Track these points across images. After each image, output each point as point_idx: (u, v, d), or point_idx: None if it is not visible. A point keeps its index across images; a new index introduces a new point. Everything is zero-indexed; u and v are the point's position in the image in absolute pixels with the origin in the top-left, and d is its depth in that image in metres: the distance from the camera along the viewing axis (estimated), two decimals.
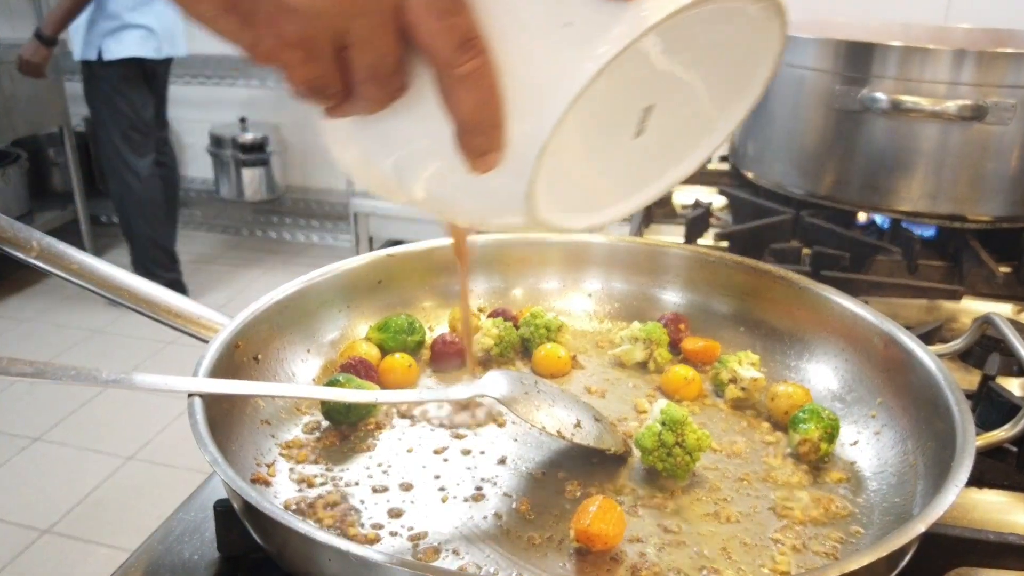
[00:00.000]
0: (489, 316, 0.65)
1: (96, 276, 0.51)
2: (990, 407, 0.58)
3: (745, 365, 0.58)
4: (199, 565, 0.44)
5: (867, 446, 0.53)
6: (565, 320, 0.65)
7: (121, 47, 2.31)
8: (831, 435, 0.51)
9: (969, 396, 0.61)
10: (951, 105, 0.78)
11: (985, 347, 0.67)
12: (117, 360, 2.29)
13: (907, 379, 0.53)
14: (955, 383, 0.49)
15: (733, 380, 0.58)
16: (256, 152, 3.03)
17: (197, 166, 3.29)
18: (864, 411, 0.55)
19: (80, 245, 2.90)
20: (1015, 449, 0.52)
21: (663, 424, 0.48)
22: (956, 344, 0.60)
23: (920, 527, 0.37)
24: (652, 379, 0.61)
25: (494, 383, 0.50)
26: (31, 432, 2.04)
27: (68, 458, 1.95)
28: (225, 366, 0.50)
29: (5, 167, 2.74)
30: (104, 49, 2.30)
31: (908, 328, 0.56)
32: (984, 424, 0.54)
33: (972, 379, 0.62)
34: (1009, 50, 0.78)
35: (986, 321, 0.58)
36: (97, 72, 2.35)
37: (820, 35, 0.88)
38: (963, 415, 0.45)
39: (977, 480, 0.53)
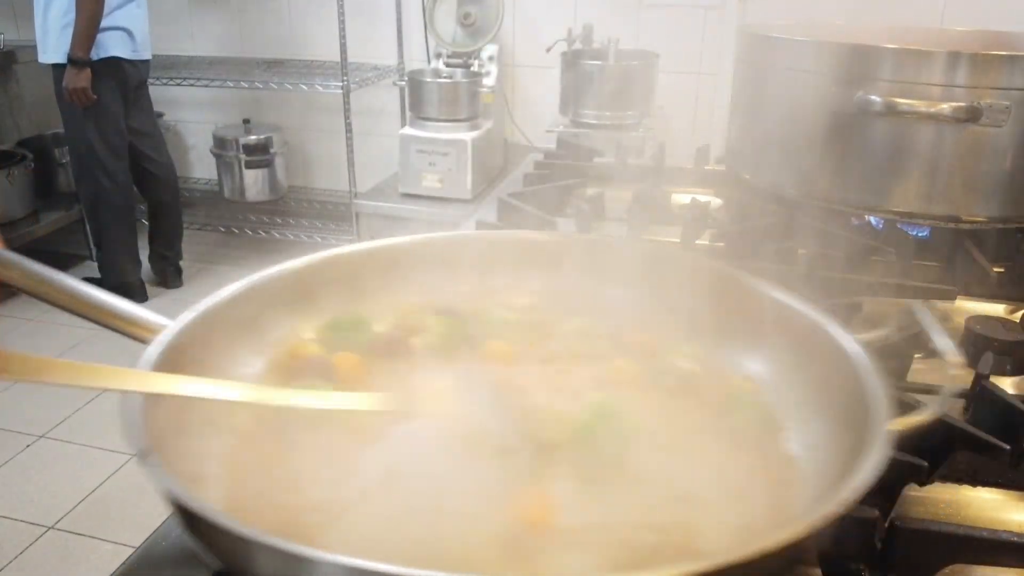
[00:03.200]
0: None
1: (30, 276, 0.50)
2: (984, 406, 0.59)
3: None
4: (202, 561, 0.45)
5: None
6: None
7: (98, 48, 2.34)
8: None
9: (963, 395, 0.62)
10: (945, 107, 0.78)
11: (979, 346, 0.68)
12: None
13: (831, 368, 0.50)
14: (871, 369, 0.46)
15: None
16: (259, 153, 3.04)
17: (201, 167, 3.30)
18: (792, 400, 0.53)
19: (85, 246, 2.93)
20: (1008, 447, 0.53)
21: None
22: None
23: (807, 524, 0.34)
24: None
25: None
26: (36, 429, 2.05)
27: (72, 455, 1.96)
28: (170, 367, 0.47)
29: (10, 168, 2.75)
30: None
31: (903, 328, 0.56)
32: (978, 423, 0.54)
33: (966, 378, 0.63)
34: (1003, 52, 0.78)
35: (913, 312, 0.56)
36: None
37: (815, 37, 0.89)
38: (877, 404, 0.43)
39: (971, 478, 0.54)
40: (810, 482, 0.45)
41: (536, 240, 0.69)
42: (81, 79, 2.31)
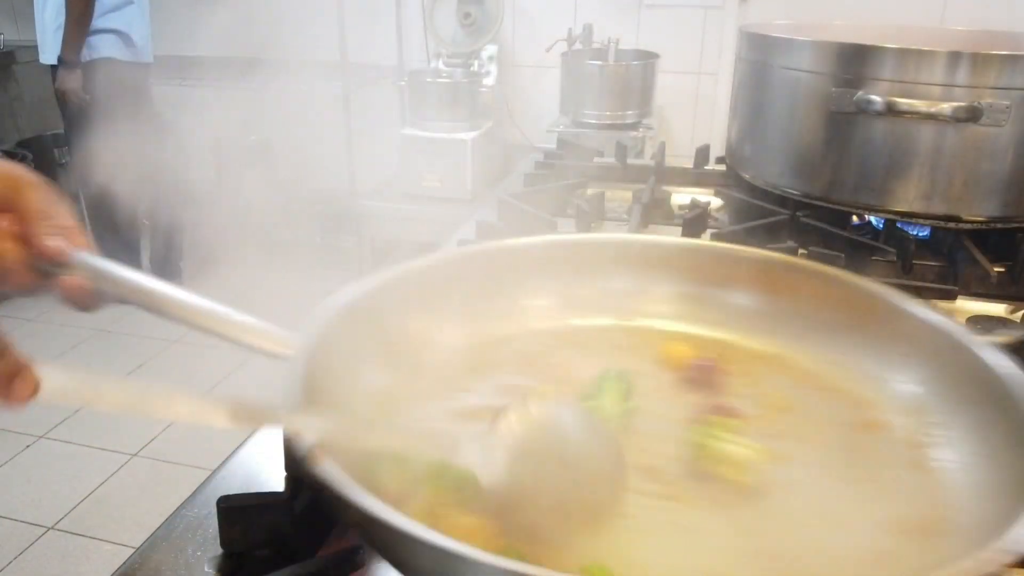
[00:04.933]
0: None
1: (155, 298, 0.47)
2: None
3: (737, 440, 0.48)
4: (202, 561, 0.45)
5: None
6: None
7: (90, 49, 2.37)
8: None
9: None
10: (946, 107, 0.78)
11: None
12: (122, 359, 2.30)
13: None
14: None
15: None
16: (259, 154, 3.04)
17: (201, 167, 3.30)
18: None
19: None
20: None
21: None
22: None
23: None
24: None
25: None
26: (36, 429, 2.05)
27: (73, 455, 1.96)
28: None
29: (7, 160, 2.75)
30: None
31: None
32: None
33: None
34: (1003, 52, 0.78)
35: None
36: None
37: (816, 37, 0.89)
38: None
39: None
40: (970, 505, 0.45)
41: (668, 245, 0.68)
42: (71, 80, 2.33)
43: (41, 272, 0.45)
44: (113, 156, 2.51)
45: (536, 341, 0.62)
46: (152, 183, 2.67)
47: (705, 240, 0.70)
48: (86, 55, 2.36)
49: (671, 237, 0.71)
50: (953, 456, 0.49)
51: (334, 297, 0.53)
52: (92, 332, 2.47)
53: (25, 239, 0.44)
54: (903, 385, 0.55)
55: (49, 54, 2.37)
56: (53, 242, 0.44)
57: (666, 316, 0.65)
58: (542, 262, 0.66)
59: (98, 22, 2.35)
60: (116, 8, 2.38)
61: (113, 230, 2.59)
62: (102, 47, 2.39)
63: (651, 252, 0.67)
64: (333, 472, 0.36)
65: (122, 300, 0.46)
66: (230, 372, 2.13)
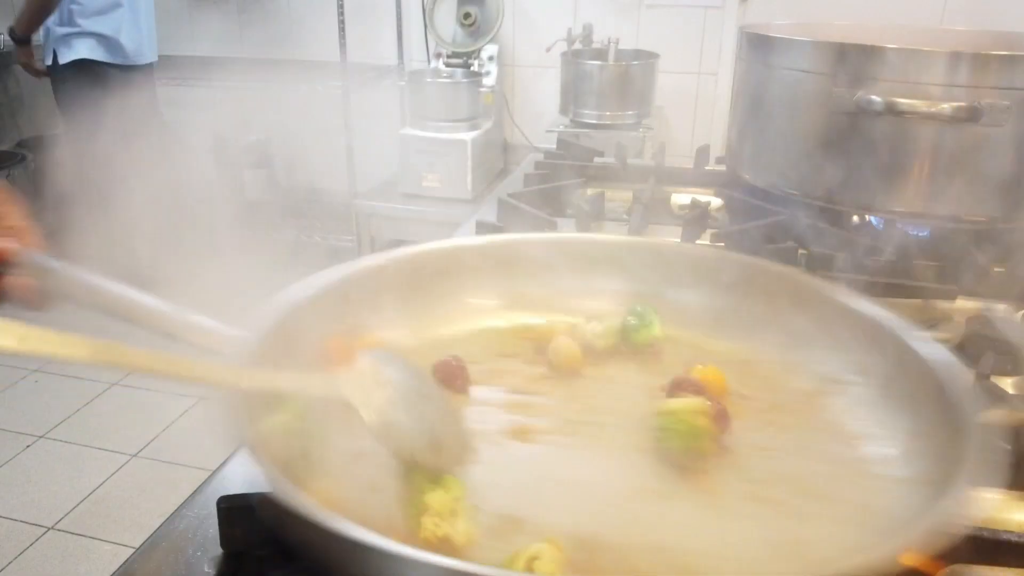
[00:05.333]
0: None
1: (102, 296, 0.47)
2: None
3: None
4: (202, 561, 0.45)
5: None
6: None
7: (71, 51, 2.39)
8: None
9: None
10: (946, 107, 0.78)
11: (979, 346, 0.68)
12: (61, 400, 2.22)
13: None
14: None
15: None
16: (259, 153, 3.04)
17: (200, 167, 3.29)
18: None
19: (83, 246, 2.92)
20: (1009, 447, 0.53)
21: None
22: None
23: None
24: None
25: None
26: (36, 430, 2.05)
27: (72, 455, 1.96)
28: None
29: (10, 168, 2.75)
30: (59, 53, 2.40)
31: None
32: None
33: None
34: (1003, 52, 0.78)
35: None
36: (57, 75, 2.44)
37: (816, 37, 0.89)
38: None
39: None
40: (904, 486, 0.47)
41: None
42: (22, 55, 2.44)
43: None
44: (91, 157, 2.51)
45: (482, 339, 0.64)
46: (145, 183, 2.67)
47: (650, 238, 0.72)
48: (65, 55, 2.38)
49: (614, 235, 0.74)
50: (889, 449, 0.51)
51: (277, 296, 0.54)
52: (88, 333, 2.44)
53: None
54: (835, 373, 0.58)
55: (47, 55, 2.39)
56: (2, 243, 0.45)
57: (611, 314, 0.67)
58: (488, 261, 0.67)
59: (83, 24, 2.37)
60: (101, 12, 2.38)
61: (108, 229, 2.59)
62: (81, 49, 2.40)
63: (596, 250, 0.69)
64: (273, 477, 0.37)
65: (72, 300, 0.46)
66: (175, 418, 2.10)
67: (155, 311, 0.46)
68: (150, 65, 2.57)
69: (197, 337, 0.46)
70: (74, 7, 2.39)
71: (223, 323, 0.48)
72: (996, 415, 0.47)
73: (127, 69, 2.48)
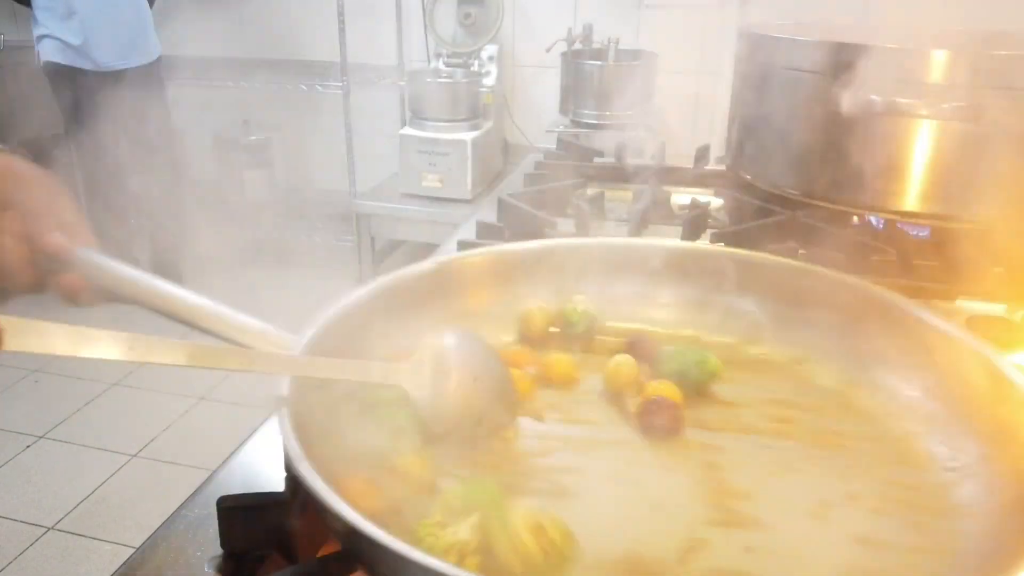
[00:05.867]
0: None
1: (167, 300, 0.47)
2: None
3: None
4: (202, 561, 0.45)
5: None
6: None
7: (44, 52, 2.42)
8: None
9: None
10: (946, 107, 0.78)
11: None
12: (62, 400, 2.23)
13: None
14: None
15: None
16: (259, 153, 3.04)
17: (200, 168, 3.30)
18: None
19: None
20: None
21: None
22: None
23: None
24: None
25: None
26: (36, 430, 2.05)
27: (72, 456, 1.96)
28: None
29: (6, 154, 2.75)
30: (39, 52, 2.44)
31: None
32: None
33: None
34: (1003, 52, 0.78)
35: None
36: (44, 73, 2.47)
37: (815, 37, 0.89)
38: None
39: None
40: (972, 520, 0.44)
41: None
42: None
43: (43, 270, 0.44)
44: (96, 156, 2.51)
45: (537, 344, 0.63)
46: (150, 184, 2.67)
47: (707, 244, 0.70)
48: (41, 55, 2.43)
49: (674, 241, 0.72)
50: (959, 465, 0.49)
51: (334, 301, 0.53)
52: (28, 372, 2.38)
53: (26, 236, 0.43)
54: (911, 394, 0.55)
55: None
56: (55, 239, 0.44)
57: (668, 322, 0.66)
58: (540, 266, 0.66)
59: (49, 27, 2.38)
60: (62, 18, 2.38)
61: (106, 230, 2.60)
62: (50, 51, 2.42)
63: (655, 256, 0.67)
64: (316, 482, 0.37)
65: (122, 298, 0.46)
66: (175, 418, 2.10)
67: (205, 311, 0.46)
68: (144, 67, 2.53)
69: (247, 338, 0.47)
70: (38, 12, 2.40)
71: (274, 326, 0.48)
72: None
73: (95, 75, 2.45)
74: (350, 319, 0.54)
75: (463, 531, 0.40)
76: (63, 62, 2.42)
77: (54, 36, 2.40)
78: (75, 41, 2.39)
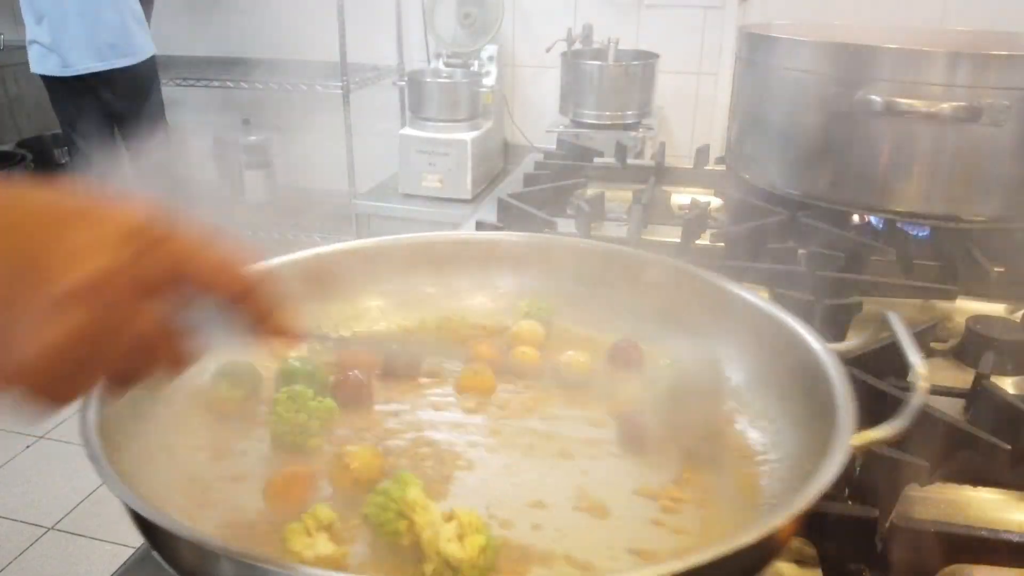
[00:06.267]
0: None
1: None
2: (984, 406, 0.59)
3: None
4: None
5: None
6: None
7: (32, 60, 2.40)
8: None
9: (963, 395, 0.62)
10: (946, 107, 0.78)
11: (979, 345, 0.68)
12: None
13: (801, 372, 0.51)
14: (842, 376, 0.48)
15: None
16: (259, 154, 3.04)
17: (200, 168, 3.30)
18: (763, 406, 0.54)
19: None
20: (1008, 447, 0.53)
21: None
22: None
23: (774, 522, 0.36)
24: None
25: None
26: (35, 430, 2.05)
27: (73, 455, 1.96)
28: None
29: (10, 168, 2.75)
30: (30, 60, 2.41)
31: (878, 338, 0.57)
32: (979, 423, 0.54)
33: (967, 377, 0.63)
34: (1003, 52, 0.78)
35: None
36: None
37: (816, 38, 0.89)
38: (843, 414, 0.44)
39: (972, 478, 0.54)
40: (776, 479, 0.47)
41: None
42: None
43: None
44: (88, 160, 2.50)
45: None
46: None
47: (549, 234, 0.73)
48: (32, 66, 2.42)
49: (502, 233, 0.75)
50: (760, 438, 0.52)
51: None
52: None
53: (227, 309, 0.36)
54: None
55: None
56: (289, 319, 0.37)
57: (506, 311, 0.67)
58: (369, 264, 0.68)
59: (33, 33, 2.36)
60: (36, 22, 2.36)
61: None
62: (32, 59, 2.40)
63: (495, 249, 0.69)
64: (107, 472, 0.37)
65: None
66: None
67: None
68: (132, 67, 2.48)
69: None
70: (24, 18, 2.38)
71: None
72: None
73: (87, 77, 2.42)
74: None
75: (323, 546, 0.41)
76: (45, 72, 2.40)
77: (34, 41, 2.37)
78: (48, 44, 2.36)
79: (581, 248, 0.69)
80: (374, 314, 0.67)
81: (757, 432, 0.53)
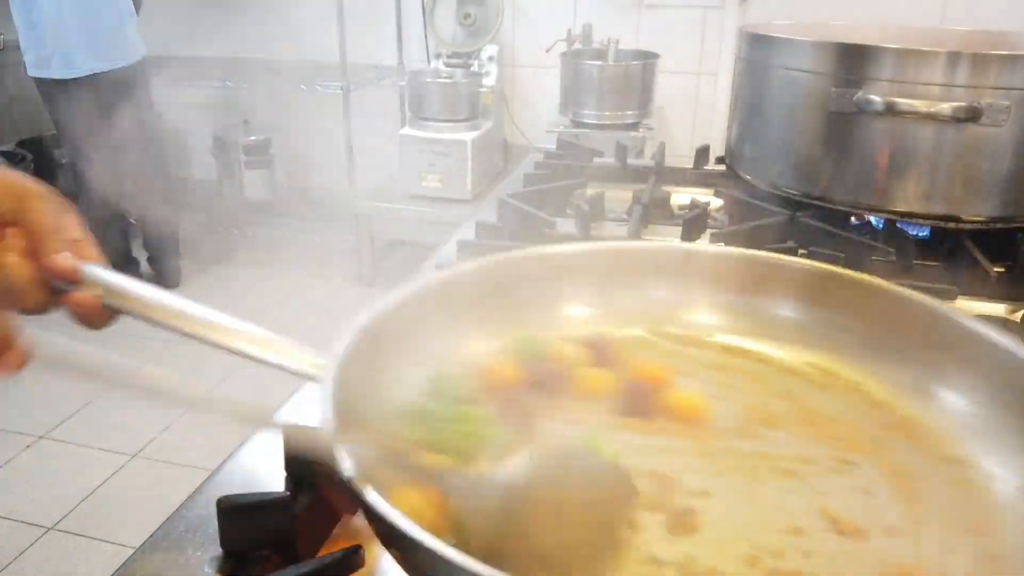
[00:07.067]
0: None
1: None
2: None
3: None
4: (202, 561, 0.45)
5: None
6: None
7: (28, 64, 2.42)
8: None
9: None
10: (946, 107, 0.78)
11: None
12: (69, 395, 2.22)
13: None
14: None
15: None
16: (259, 153, 3.05)
17: (200, 168, 3.30)
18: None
19: None
20: None
21: None
22: None
23: None
24: None
25: None
26: (36, 430, 2.05)
27: (73, 455, 1.96)
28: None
29: (10, 168, 2.75)
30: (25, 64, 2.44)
31: None
32: None
33: None
34: (1003, 52, 0.78)
35: None
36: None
37: (815, 37, 0.89)
38: None
39: None
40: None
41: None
42: None
43: (51, 289, 0.43)
44: (85, 161, 2.50)
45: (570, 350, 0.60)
46: (144, 187, 2.66)
47: (745, 249, 0.68)
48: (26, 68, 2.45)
49: (709, 245, 0.70)
50: (1003, 473, 0.48)
51: (360, 314, 0.50)
52: (95, 332, 2.43)
53: (33, 255, 0.42)
54: (951, 399, 0.53)
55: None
56: (63, 257, 0.42)
57: (703, 327, 0.64)
58: (576, 270, 0.64)
59: (27, 38, 2.38)
60: (30, 27, 2.37)
61: (100, 232, 2.60)
62: (28, 63, 2.42)
63: (690, 261, 0.66)
64: (379, 501, 0.34)
65: (132, 315, 0.45)
66: (175, 418, 2.09)
67: (217, 326, 0.44)
68: (124, 69, 2.49)
69: (259, 352, 0.44)
70: (18, 24, 2.39)
71: (291, 338, 0.45)
72: None
73: (79, 81, 2.42)
74: (390, 325, 0.51)
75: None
76: (39, 75, 2.41)
77: (29, 46, 2.38)
78: (43, 49, 2.37)
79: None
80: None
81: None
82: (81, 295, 0.43)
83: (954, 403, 0.53)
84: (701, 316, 0.65)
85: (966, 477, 0.48)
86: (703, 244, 0.74)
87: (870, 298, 0.59)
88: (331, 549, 0.47)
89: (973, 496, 0.47)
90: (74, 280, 0.43)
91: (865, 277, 0.61)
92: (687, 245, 0.71)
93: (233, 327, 0.44)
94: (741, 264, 0.65)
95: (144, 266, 2.77)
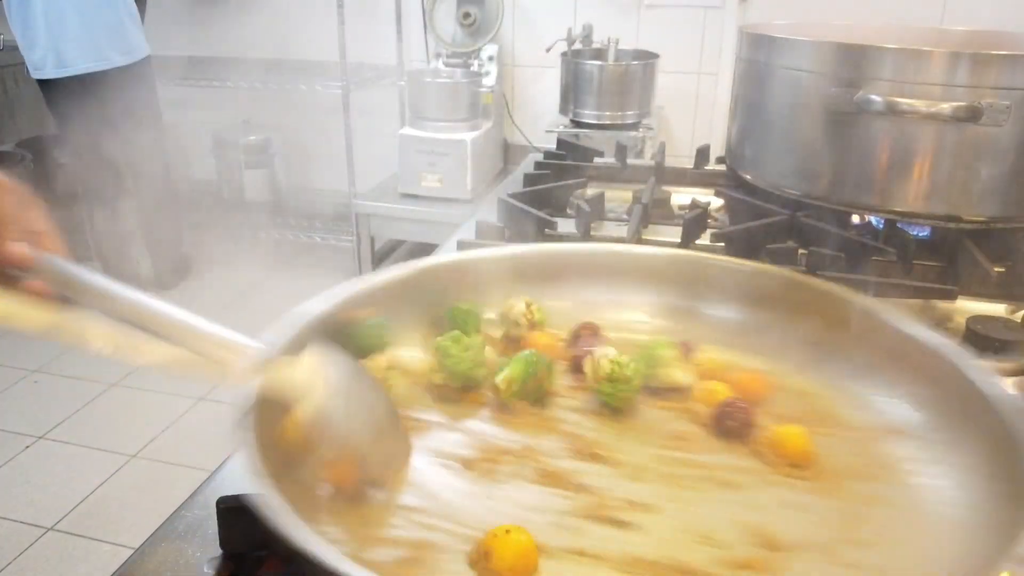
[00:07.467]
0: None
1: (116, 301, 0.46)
2: None
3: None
4: (201, 562, 0.45)
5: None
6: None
7: (28, 64, 2.41)
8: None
9: None
10: (946, 107, 0.78)
11: (979, 346, 0.68)
12: (61, 401, 2.21)
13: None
14: None
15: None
16: (259, 153, 3.04)
17: (200, 168, 3.30)
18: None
19: (85, 247, 2.94)
20: None
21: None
22: None
23: None
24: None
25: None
26: (35, 430, 2.05)
27: (72, 456, 1.96)
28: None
29: (9, 169, 2.75)
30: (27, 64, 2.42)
31: None
32: None
33: None
34: (1003, 52, 0.78)
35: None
36: None
37: (815, 37, 0.89)
38: None
39: None
40: (960, 531, 0.43)
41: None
42: None
43: (5, 277, 0.45)
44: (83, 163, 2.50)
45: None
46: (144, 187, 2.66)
47: (692, 251, 0.69)
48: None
49: (655, 248, 0.71)
50: (944, 483, 0.48)
51: (299, 309, 0.53)
52: (28, 372, 2.33)
53: None
54: (895, 407, 0.54)
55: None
56: (17, 246, 0.45)
57: (647, 330, 0.65)
58: (512, 272, 0.66)
59: (25, 38, 2.36)
60: (27, 26, 2.35)
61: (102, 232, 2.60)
62: (28, 63, 2.40)
63: (637, 263, 0.67)
64: (269, 499, 0.36)
65: (84, 305, 0.46)
66: (175, 418, 2.09)
67: (171, 319, 0.45)
68: (125, 68, 2.46)
69: (212, 348, 0.45)
70: (13, 28, 2.38)
71: (240, 335, 0.46)
72: None
73: (82, 78, 2.41)
74: (314, 328, 0.52)
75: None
76: (38, 76, 2.40)
77: (26, 47, 2.37)
78: (38, 50, 2.36)
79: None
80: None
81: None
82: (31, 283, 0.45)
83: (896, 410, 0.53)
84: (634, 315, 0.66)
85: (908, 484, 0.48)
86: (633, 245, 0.76)
87: (826, 303, 0.60)
88: None
89: (913, 507, 0.46)
90: (28, 268, 0.45)
91: (812, 280, 0.62)
92: (618, 246, 0.72)
93: (177, 319, 0.45)
94: (677, 263, 0.67)
95: (144, 266, 2.77)
